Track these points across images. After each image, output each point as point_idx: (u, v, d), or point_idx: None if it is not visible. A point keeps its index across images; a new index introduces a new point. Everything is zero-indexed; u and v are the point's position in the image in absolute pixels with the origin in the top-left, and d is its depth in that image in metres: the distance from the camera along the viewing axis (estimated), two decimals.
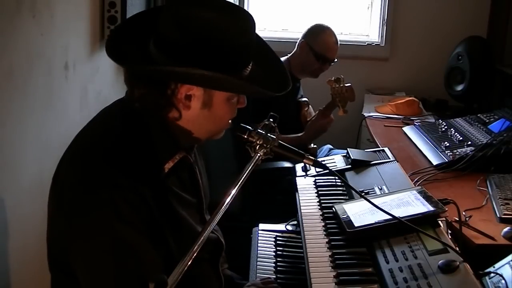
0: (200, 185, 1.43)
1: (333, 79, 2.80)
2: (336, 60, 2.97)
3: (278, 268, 1.72)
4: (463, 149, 2.43)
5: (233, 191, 1.22)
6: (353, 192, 1.70)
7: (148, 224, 1.20)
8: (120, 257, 1.16)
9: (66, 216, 1.21)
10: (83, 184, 1.20)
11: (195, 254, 1.11)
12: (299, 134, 2.85)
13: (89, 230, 1.17)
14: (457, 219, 1.67)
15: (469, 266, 1.30)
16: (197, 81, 1.22)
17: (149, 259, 1.20)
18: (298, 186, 1.94)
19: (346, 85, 2.80)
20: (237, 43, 1.22)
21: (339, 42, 2.97)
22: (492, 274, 1.39)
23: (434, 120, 3.14)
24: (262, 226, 1.95)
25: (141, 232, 1.18)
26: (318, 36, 2.93)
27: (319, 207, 1.77)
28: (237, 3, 3.76)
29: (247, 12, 1.29)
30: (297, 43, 2.99)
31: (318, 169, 1.97)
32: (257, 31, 1.31)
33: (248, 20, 1.25)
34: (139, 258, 1.18)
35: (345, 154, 2.11)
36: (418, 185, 1.99)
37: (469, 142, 2.50)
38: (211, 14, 1.20)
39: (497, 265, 1.42)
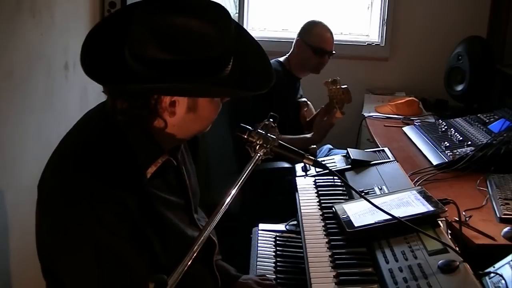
0: (187, 185, 1.41)
1: (329, 80, 2.81)
2: (334, 52, 2.98)
3: (278, 268, 1.72)
4: (463, 149, 2.43)
5: (233, 191, 1.22)
6: (353, 192, 1.70)
7: (131, 231, 1.19)
8: (105, 266, 1.16)
9: (50, 228, 1.20)
10: (63, 196, 1.18)
11: (195, 254, 1.10)
12: (308, 135, 2.84)
13: (73, 242, 1.16)
14: (457, 219, 1.67)
15: (469, 266, 1.30)
16: (180, 93, 1.20)
17: (134, 266, 1.19)
18: (298, 186, 1.94)
19: (343, 87, 2.80)
20: (217, 50, 1.19)
21: (334, 36, 2.99)
22: (492, 274, 1.39)
23: (434, 120, 3.14)
24: (262, 226, 1.95)
25: (124, 239, 1.17)
26: (312, 30, 2.96)
27: (319, 207, 1.76)
28: (237, 4, 3.76)
29: (223, 8, 1.23)
30: (293, 43, 3.01)
31: (318, 169, 1.97)
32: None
33: (226, 21, 1.21)
34: (124, 265, 1.17)
35: (345, 154, 2.11)
36: (418, 185, 1.99)
37: (469, 142, 2.50)
38: (187, 21, 1.16)
39: (497, 265, 1.42)
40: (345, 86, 2.81)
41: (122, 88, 1.20)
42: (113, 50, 1.22)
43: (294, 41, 3.01)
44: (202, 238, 1.13)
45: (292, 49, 3.01)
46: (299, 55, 2.97)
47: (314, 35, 2.95)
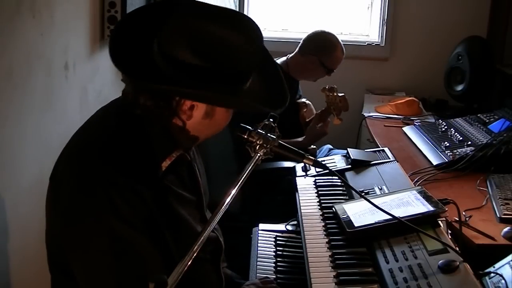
0: (200, 182, 1.43)
1: (327, 87, 2.79)
2: None
3: (278, 268, 1.72)
4: (463, 149, 2.43)
5: (233, 191, 1.22)
6: (353, 192, 1.70)
7: (146, 222, 1.20)
8: (120, 255, 1.16)
9: (63, 216, 1.20)
10: (79, 183, 1.19)
11: (195, 254, 1.10)
12: (299, 139, 2.84)
13: (86, 229, 1.17)
14: (457, 219, 1.67)
15: (469, 266, 1.30)
16: (202, 99, 1.22)
17: (148, 257, 1.20)
18: (298, 186, 1.94)
19: (340, 94, 2.78)
20: (246, 64, 1.22)
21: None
22: (492, 274, 1.39)
23: (434, 120, 3.14)
24: (262, 226, 1.95)
25: (139, 230, 1.18)
26: (332, 54, 2.89)
27: (319, 207, 1.77)
28: (238, 3, 3.76)
29: (254, 23, 1.25)
30: (299, 49, 2.92)
31: (318, 169, 1.97)
32: None
33: (257, 37, 1.24)
34: (138, 256, 1.18)
35: (345, 154, 2.11)
36: (418, 185, 1.99)
37: (469, 142, 2.50)
38: (222, 31, 1.18)
39: (497, 265, 1.43)
40: (342, 94, 2.79)
41: (148, 86, 1.21)
42: (141, 42, 1.24)
43: (303, 50, 2.91)
44: (202, 239, 1.13)
45: (294, 55, 2.93)
46: (307, 69, 2.92)
47: (333, 59, 2.90)
